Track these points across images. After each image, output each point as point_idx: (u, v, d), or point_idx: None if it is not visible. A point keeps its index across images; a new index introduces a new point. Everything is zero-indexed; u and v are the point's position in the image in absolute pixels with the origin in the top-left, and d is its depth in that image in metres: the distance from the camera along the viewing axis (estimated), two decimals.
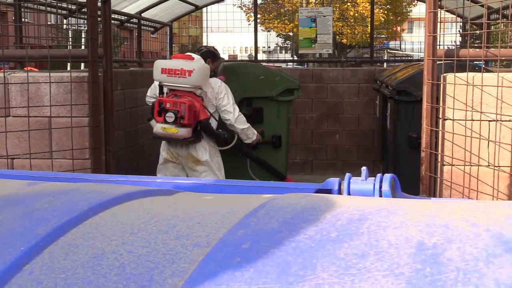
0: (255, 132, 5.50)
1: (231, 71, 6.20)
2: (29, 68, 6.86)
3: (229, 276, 0.71)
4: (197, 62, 5.09)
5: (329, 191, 1.25)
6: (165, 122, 4.93)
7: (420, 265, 0.69)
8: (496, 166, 3.87)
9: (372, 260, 0.71)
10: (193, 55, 5.37)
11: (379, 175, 1.22)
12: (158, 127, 5.02)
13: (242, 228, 0.82)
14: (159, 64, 5.18)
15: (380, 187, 1.20)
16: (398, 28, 29.26)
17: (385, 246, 0.74)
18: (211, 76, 5.38)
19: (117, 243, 0.82)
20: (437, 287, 0.65)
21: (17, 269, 0.77)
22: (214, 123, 5.25)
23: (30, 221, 0.89)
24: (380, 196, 1.19)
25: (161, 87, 5.15)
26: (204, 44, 18.64)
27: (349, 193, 1.23)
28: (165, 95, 5.15)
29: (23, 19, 7.38)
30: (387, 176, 1.22)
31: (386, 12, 26.20)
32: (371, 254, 0.72)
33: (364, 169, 1.27)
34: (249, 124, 5.39)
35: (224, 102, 5.24)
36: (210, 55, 5.56)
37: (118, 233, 0.85)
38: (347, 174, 1.25)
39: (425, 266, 0.69)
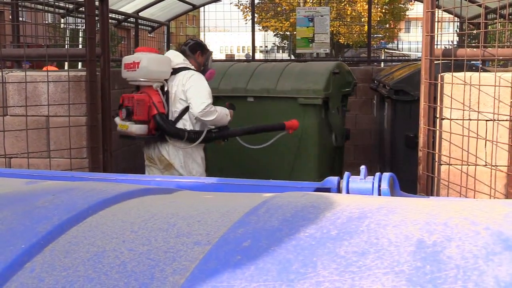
0: (227, 112, 4.96)
1: (339, 70, 6.46)
2: (49, 67, 6.87)
3: (229, 273, 0.71)
4: (146, 54, 4.75)
5: (328, 190, 1.25)
6: (122, 118, 4.74)
7: (420, 263, 0.69)
8: (493, 166, 3.88)
9: (372, 258, 0.71)
10: (171, 51, 5.18)
11: (378, 174, 1.22)
12: (117, 124, 4.82)
13: (242, 226, 0.83)
14: (123, 59, 4.92)
15: (379, 186, 1.20)
16: (396, 29, 29.29)
17: (385, 244, 0.74)
18: (203, 70, 5.09)
19: (118, 241, 0.82)
20: (437, 284, 0.65)
21: (18, 267, 0.77)
22: (184, 123, 4.83)
23: (30, 219, 0.89)
24: (379, 195, 1.20)
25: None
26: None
27: (348, 192, 1.23)
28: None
29: (20, 18, 7.37)
30: (386, 175, 1.22)
31: (383, 11, 26.21)
32: (371, 252, 0.73)
33: (363, 168, 1.27)
34: (216, 113, 4.80)
35: (189, 94, 4.77)
36: (198, 47, 5.23)
37: (118, 231, 0.86)
38: (346, 173, 1.25)
39: (425, 264, 0.69)
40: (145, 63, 4.65)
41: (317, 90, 5.99)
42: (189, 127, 4.83)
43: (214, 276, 0.71)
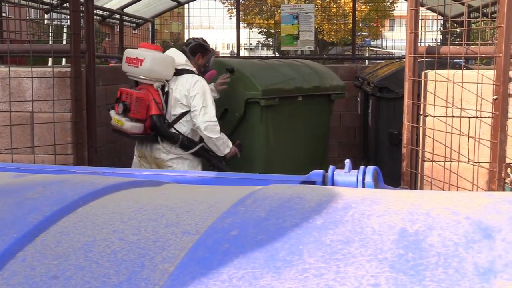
0: (230, 145, 4.85)
1: None
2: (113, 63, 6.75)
3: (218, 261, 0.73)
4: (152, 52, 4.66)
5: (313, 183, 1.27)
6: (117, 113, 4.64)
7: (402, 250, 0.72)
8: (476, 162, 3.93)
9: (357, 246, 0.73)
10: (173, 50, 5.06)
11: (362, 167, 1.24)
12: (111, 117, 4.73)
13: (230, 217, 0.85)
14: (125, 52, 4.83)
15: (363, 179, 1.23)
16: (380, 27, 29.41)
17: (369, 233, 0.76)
18: (203, 72, 5.01)
19: (108, 231, 0.84)
20: (419, 271, 0.67)
21: (10, 255, 0.78)
22: (182, 128, 4.74)
23: (21, 210, 0.91)
24: (363, 187, 1.22)
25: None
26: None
27: (333, 185, 1.25)
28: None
29: (4, 14, 7.32)
30: (370, 168, 1.25)
31: (368, 9, 26.29)
32: (356, 240, 0.75)
33: (347, 161, 1.29)
34: (220, 135, 4.74)
35: (194, 102, 4.66)
36: (199, 49, 5.08)
37: (108, 221, 0.87)
38: (331, 167, 1.27)
39: (408, 252, 0.71)
40: (148, 63, 4.56)
41: (343, 86, 6.57)
42: (185, 132, 4.75)
43: (203, 263, 0.73)
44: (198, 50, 5.06)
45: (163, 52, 4.87)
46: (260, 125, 5.61)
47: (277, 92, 5.65)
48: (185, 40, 5.27)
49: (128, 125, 4.59)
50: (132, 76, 4.73)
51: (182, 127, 4.74)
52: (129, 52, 4.76)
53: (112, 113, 4.71)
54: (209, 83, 5.00)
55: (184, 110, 4.72)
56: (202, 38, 5.28)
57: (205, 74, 5.05)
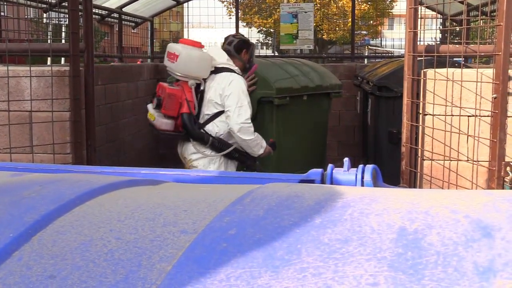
0: (264, 145, 4.69)
1: None
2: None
3: (216, 260, 0.72)
4: (188, 48, 4.54)
5: (312, 182, 1.27)
6: (153, 107, 4.63)
7: (401, 249, 0.71)
8: (475, 161, 3.92)
9: (355, 245, 0.73)
10: (215, 48, 4.99)
11: (361, 165, 1.24)
12: (148, 110, 4.72)
13: (228, 215, 0.84)
14: (167, 47, 4.74)
15: (362, 177, 1.22)
16: (379, 25, 29.42)
17: (368, 231, 0.76)
18: (248, 67, 4.92)
19: (105, 230, 0.84)
20: (418, 270, 0.67)
21: (6, 255, 0.78)
22: (214, 128, 4.60)
23: (18, 209, 0.90)
24: (362, 186, 1.22)
25: None
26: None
27: (331, 184, 1.25)
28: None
29: (1, 13, 7.31)
30: (369, 167, 1.24)
31: (367, 7, 26.30)
32: (354, 239, 0.74)
33: (346, 160, 1.29)
34: (254, 136, 4.57)
35: (228, 102, 4.48)
36: (243, 45, 4.94)
37: (105, 220, 0.87)
38: (330, 165, 1.27)
39: (407, 251, 0.71)
40: (183, 59, 4.49)
41: (340, 85, 6.64)
42: (218, 133, 4.62)
43: (200, 263, 0.72)
44: (243, 46, 4.95)
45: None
46: (271, 124, 5.55)
47: (287, 91, 5.61)
48: (224, 39, 5.09)
49: (160, 121, 4.57)
50: (170, 71, 4.66)
51: (214, 128, 4.62)
52: (169, 47, 4.69)
53: (149, 106, 4.67)
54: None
55: (218, 110, 4.60)
56: (240, 33, 5.25)
57: (250, 69, 5.01)
